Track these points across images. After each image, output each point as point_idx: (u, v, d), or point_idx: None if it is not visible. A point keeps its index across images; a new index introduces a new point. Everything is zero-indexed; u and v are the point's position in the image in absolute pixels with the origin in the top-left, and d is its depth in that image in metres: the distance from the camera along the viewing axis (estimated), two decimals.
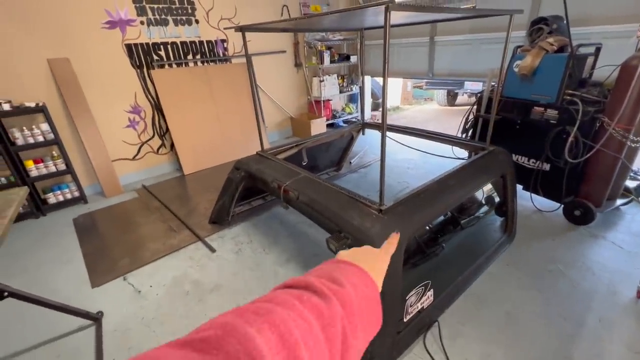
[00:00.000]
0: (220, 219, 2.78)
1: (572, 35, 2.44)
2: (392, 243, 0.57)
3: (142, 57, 3.69)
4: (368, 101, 6.53)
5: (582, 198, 2.45)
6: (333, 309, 0.34)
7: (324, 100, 5.31)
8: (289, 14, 4.78)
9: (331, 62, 5.22)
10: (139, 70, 3.70)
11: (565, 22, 2.38)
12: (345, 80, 5.66)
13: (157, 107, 3.92)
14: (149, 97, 3.85)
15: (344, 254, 0.49)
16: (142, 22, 3.57)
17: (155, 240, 2.66)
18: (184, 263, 2.37)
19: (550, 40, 2.41)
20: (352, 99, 6.23)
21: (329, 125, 5.54)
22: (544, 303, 1.83)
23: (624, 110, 2.12)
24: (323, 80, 5.14)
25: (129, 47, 3.56)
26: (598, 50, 2.45)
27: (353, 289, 0.38)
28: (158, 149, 4.10)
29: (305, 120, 5.09)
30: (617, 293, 1.86)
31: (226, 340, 0.24)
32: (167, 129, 3.97)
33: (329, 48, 5.19)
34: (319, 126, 5.07)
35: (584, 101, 2.31)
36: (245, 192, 2.65)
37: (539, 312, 1.78)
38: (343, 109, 6.05)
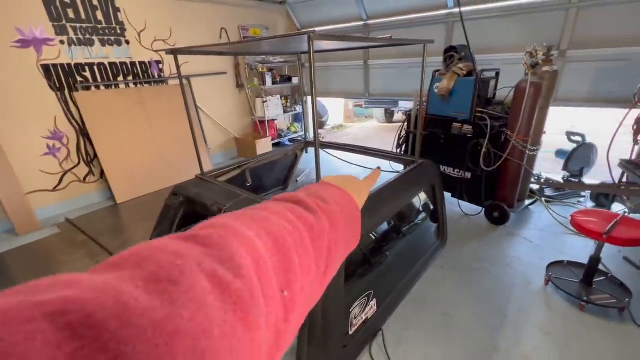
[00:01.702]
0: None
1: (478, 62, 2.85)
2: (373, 178, 0.58)
3: (63, 79, 3.38)
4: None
5: (499, 201, 2.79)
6: (322, 224, 0.35)
7: (268, 120, 5.35)
8: (228, 37, 4.81)
9: (273, 83, 5.33)
10: (59, 93, 3.37)
11: (469, 50, 2.77)
12: (288, 100, 5.79)
13: (83, 132, 3.59)
14: (73, 121, 3.52)
15: (329, 178, 0.51)
16: (62, 42, 3.29)
17: None
18: None
19: (461, 65, 2.78)
20: (297, 118, 6.37)
21: (275, 145, 5.57)
22: (474, 299, 2.02)
23: (521, 124, 2.51)
24: (266, 101, 5.20)
25: (46, 68, 3.25)
26: (497, 74, 2.89)
27: (338, 208, 0.40)
28: (85, 177, 3.72)
29: (251, 141, 5.06)
30: (531, 283, 2.13)
31: (229, 239, 0.24)
32: (96, 155, 3.64)
33: (270, 70, 5.29)
34: (264, 146, 5.08)
35: (491, 117, 2.67)
36: (186, 218, 2.52)
37: (470, 308, 1.96)
38: (288, 129, 6.15)
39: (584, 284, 1.97)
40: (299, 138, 6.13)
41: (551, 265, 2.17)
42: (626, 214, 1.88)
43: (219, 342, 0.19)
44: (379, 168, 0.63)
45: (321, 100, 7.11)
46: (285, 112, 5.69)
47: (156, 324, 0.17)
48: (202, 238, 0.24)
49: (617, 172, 2.56)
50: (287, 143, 5.83)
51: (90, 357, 0.14)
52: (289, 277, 0.27)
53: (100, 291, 0.17)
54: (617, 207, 2.93)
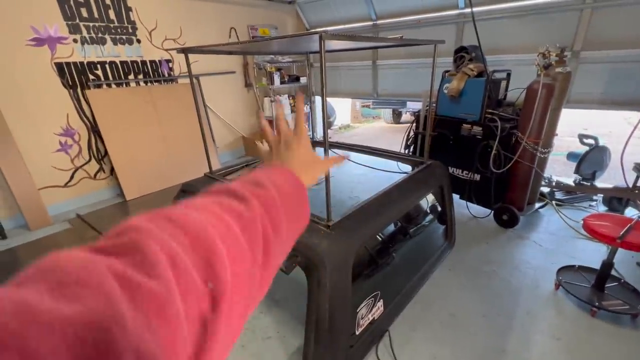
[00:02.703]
0: None
1: (489, 62, 2.82)
2: (335, 159, 0.59)
3: (76, 77, 3.44)
4: (320, 120, 6.73)
5: (508, 204, 2.76)
6: (253, 211, 0.34)
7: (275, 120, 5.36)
8: (237, 37, 4.84)
9: (281, 83, 5.34)
10: (71, 91, 3.43)
11: (480, 51, 2.74)
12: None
13: (94, 129, 3.65)
14: (84, 118, 3.57)
15: (282, 157, 0.51)
16: (75, 40, 3.35)
17: None
18: None
19: (471, 66, 2.75)
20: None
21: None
22: (482, 302, 2.00)
23: (532, 126, 2.47)
24: (274, 101, 5.21)
25: (59, 66, 3.31)
26: (509, 75, 2.85)
27: (276, 190, 0.39)
28: (95, 174, 3.78)
29: (258, 140, 5.07)
30: (540, 287, 2.10)
31: (141, 241, 0.24)
32: (106, 152, 3.69)
33: (278, 69, 5.31)
34: None
35: (501, 119, 2.64)
36: None
37: (478, 310, 1.94)
38: None
39: (596, 289, 1.94)
40: None
41: (561, 269, 2.13)
42: None
43: (131, 335, 0.19)
44: (345, 157, 0.62)
45: (329, 100, 7.10)
46: (292, 111, 5.69)
47: (63, 319, 0.17)
48: (111, 247, 0.24)
49: (631, 176, 2.51)
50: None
51: None
52: (214, 269, 0.26)
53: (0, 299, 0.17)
54: (631, 212, 2.87)
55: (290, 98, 5.65)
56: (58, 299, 0.18)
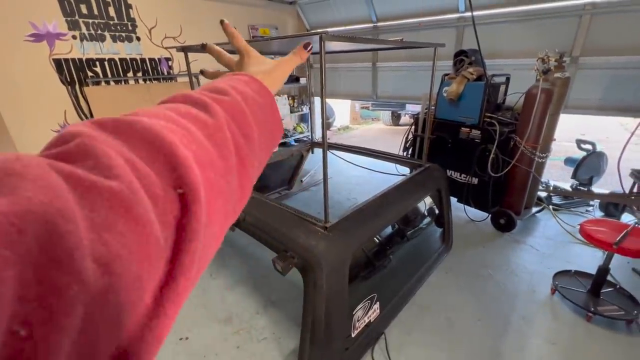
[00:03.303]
0: None
1: (489, 66, 2.83)
2: (298, 54, 0.52)
3: (74, 73, 3.42)
4: (319, 121, 6.74)
5: (505, 208, 2.76)
6: (218, 118, 0.31)
7: None
8: None
9: None
10: (69, 87, 3.41)
11: (480, 55, 2.75)
12: (295, 100, 5.80)
13: None
14: (82, 115, 3.55)
15: (239, 67, 0.48)
16: (74, 37, 3.33)
17: None
18: None
19: (470, 70, 2.76)
20: (303, 118, 6.38)
21: (281, 144, 5.57)
22: (478, 305, 2.00)
23: (530, 131, 2.48)
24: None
25: (57, 62, 3.29)
26: (508, 79, 2.86)
27: (240, 96, 0.36)
28: None
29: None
30: (536, 291, 2.10)
31: (90, 146, 0.20)
32: None
33: None
34: None
35: (500, 123, 2.65)
36: None
37: (474, 314, 1.94)
38: (294, 129, 6.16)
39: (592, 294, 1.94)
40: (305, 138, 6.13)
41: (558, 274, 2.14)
42: (637, 225, 1.84)
43: (85, 232, 0.16)
44: (306, 46, 0.53)
45: (328, 101, 7.11)
46: (292, 112, 5.70)
47: None
48: (55, 155, 0.20)
49: (627, 182, 2.52)
50: (293, 143, 5.84)
51: None
52: (180, 173, 0.23)
53: None
54: (627, 218, 2.88)
55: (290, 98, 5.64)
56: None
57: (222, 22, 0.52)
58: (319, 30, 1.15)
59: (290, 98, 5.64)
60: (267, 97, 0.41)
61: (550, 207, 3.08)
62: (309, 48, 0.53)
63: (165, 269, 0.22)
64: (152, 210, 0.21)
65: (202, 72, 0.59)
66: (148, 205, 0.20)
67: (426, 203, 2.75)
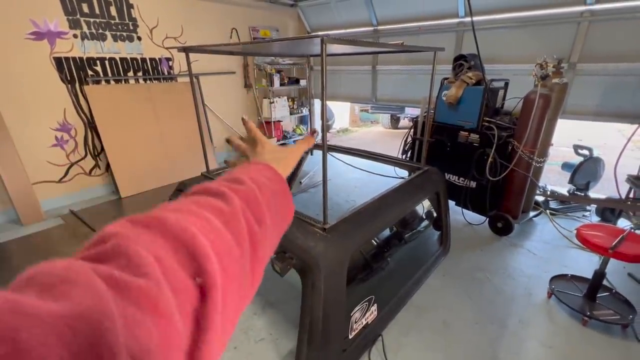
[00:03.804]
0: None
1: (488, 71, 2.85)
2: (306, 140, 0.61)
3: (75, 72, 3.42)
4: (318, 123, 6.75)
5: (503, 211, 2.78)
6: (234, 206, 0.34)
7: (274, 121, 5.37)
8: (238, 37, 4.85)
9: (281, 84, 5.35)
10: (69, 86, 3.41)
11: (479, 60, 2.77)
12: (295, 102, 5.82)
13: (91, 125, 3.62)
14: (82, 114, 3.55)
15: (254, 155, 0.53)
16: (75, 36, 3.33)
17: None
18: None
19: (470, 74, 2.78)
20: (302, 120, 6.39)
21: (280, 146, 5.58)
22: (475, 309, 2.01)
23: (528, 135, 2.50)
24: (273, 102, 5.22)
25: (58, 61, 3.29)
26: (506, 84, 2.89)
27: (255, 184, 0.39)
28: (91, 170, 3.75)
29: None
30: (532, 295, 2.11)
31: (123, 245, 0.24)
32: (102, 149, 3.67)
33: (278, 71, 5.32)
34: None
35: (498, 127, 2.67)
36: None
37: (471, 317, 1.94)
38: (294, 130, 6.17)
39: (588, 298, 1.95)
40: None
41: (554, 278, 2.15)
42: (633, 230, 1.86)
43: (122, 330, 0.19)
44: (313, 133, 0.62)
45: (328, 103, 7.14)
46: (291, 113, 5.71)
47: (52, 313, 0.17)
48: (94, 255, 0.24)
49: (624, 188, 2.54)
50: (292, 144, 5.85)
51: None
52: (200, 263, 0.26)
53: None
54: (623, 223, 2.90)
55: (289, 100, 5.66)
56: (47, 297, 0.19)
57: (242, 119, 0.64)
58: (320, 33, 1.16)
59: (289, 100, 5.65)
60: (280, 183, 0.45)
61: (548, 211, 3.09)
62: (315, 134, 0.61)
63: None
64: (174, 303, 0.23)
65: (225, 162, 0.66)
66: (171, 299, 0.23)
67: (424, 206, 2.76)
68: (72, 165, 3.59)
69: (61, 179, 3.54)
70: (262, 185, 0.41)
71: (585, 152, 3.17)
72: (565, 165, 3.34)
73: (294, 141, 5.93)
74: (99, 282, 0.20)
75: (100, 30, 3.50)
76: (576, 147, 3.24)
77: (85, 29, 3.39)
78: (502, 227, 2.78)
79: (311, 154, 3.53)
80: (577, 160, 3.18)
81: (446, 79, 3.05)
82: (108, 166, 3.75)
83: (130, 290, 0.21)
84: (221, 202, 0.34)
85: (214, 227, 0.30)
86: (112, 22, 3.57)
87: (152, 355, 0.20)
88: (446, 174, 3.04)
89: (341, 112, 9.07)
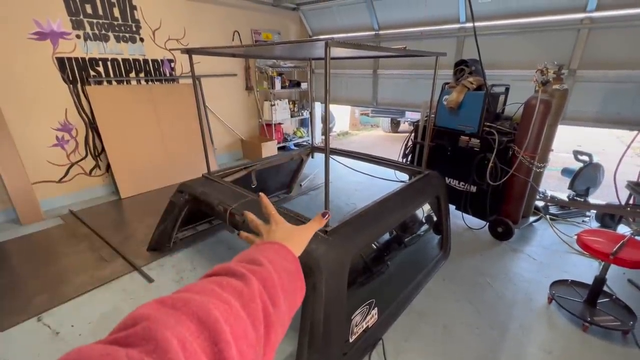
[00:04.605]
0: (160, 246, 2.59)
1: (488, 77, 2.87)
2: (318, 221, 0.63)
3: (77, 72, 3.42)
4: (319, 126, 6.77)
5: (503, 216, 2.78)
6: (252, 288, 0.37)
7: (275, 124, 5.38)
8: (240, 40, 4.87)
9: (282, 87, 5.37)
10: (71, 86, 3.42)
11: (480, 65, 2.79)
12: (296, 105, 5.83)
13: (92, 126, 3.62)
14: (83, 114, 3.55)
15: (273, 234, 0.55)
16: (77, 36, 3.35)
17: (81, 272, 2.38)
18: (115, 296, 2.14)
19: (471, 79, 2.80)
20: (303, 123, 6.41)
21: (281, 148, 5.59)
22: (475, 314, 2.00)
23: (529, 141, 2.51)
24: (274, 105, 5.23)
25: (60, 61, 3.30)
26: (507, 90, 2.90)
27: (272, 265, 0.42)
28: (91, 171, 3.74)
29: (257, 143, 5.08)
30: (533, 300, 2.11)
31: (151, 330, 0.26)
32: (103, 149, 3.67)
33: (280, 74, 5.34)
34: (270, 149, 5.10)
35: (499, 132, 2.68)
36: (190, 216, 2.53)
37: (471, 322, 1.94)
38: (294, 133, 6.18)
39: (588, 304, 1.95)
40: (305, 143, 6.15)
41: (554, 283, 2.15)
42: (633, 236, 1.86)
43: None
44: (328, 214, 0.65)
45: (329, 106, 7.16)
46: (292, 116, 5.72)
47: None
48: (125, 338, 0.26)
49: (623, 194, 2.55)
50: (293, 147, 5.86)
51: None
52: (220, 349, 0.29)
53: None
54: (622, 229, 2.91)
55: (290, 103, 5.67)
56: None
57: (260, 194, 0.67)
58: (324, 37, 1.17)
59: (290, 102, 5.67)
60: (294, 263, 0.47)
61: (548, 216, 3.10)
62: (326, 216, 0.64)
63: None
64: None
65: (238, 234, 0.68)
66: None
67: (425, 210, 2.77)
68: (72, 165, 3.59)
69: (61, 179, 3.53)
70: (277, 265, 0.43)
71: (585, 158, 3.18)
72: (565, 171, 3.35)
73: (295, 144, 5.95)
74: None
75: (103, 31, 3.51)
76: (576, 153, 3.25)
77: (88, 29, 3.40)
78: (502, 231, 2.78)
79: (312, 157, 3.54)
80: (576, 166, 3.19)
81: (447, 83, 3.07)
82: (108, 166, 3.75)
83: None
84: (240, 284, 0.36)
85: (234, 311, 0.33)
86: (115, 23, 3.58)
87: None
88: (447, 178, 3.05)
89: (341, 115, 9.10)
